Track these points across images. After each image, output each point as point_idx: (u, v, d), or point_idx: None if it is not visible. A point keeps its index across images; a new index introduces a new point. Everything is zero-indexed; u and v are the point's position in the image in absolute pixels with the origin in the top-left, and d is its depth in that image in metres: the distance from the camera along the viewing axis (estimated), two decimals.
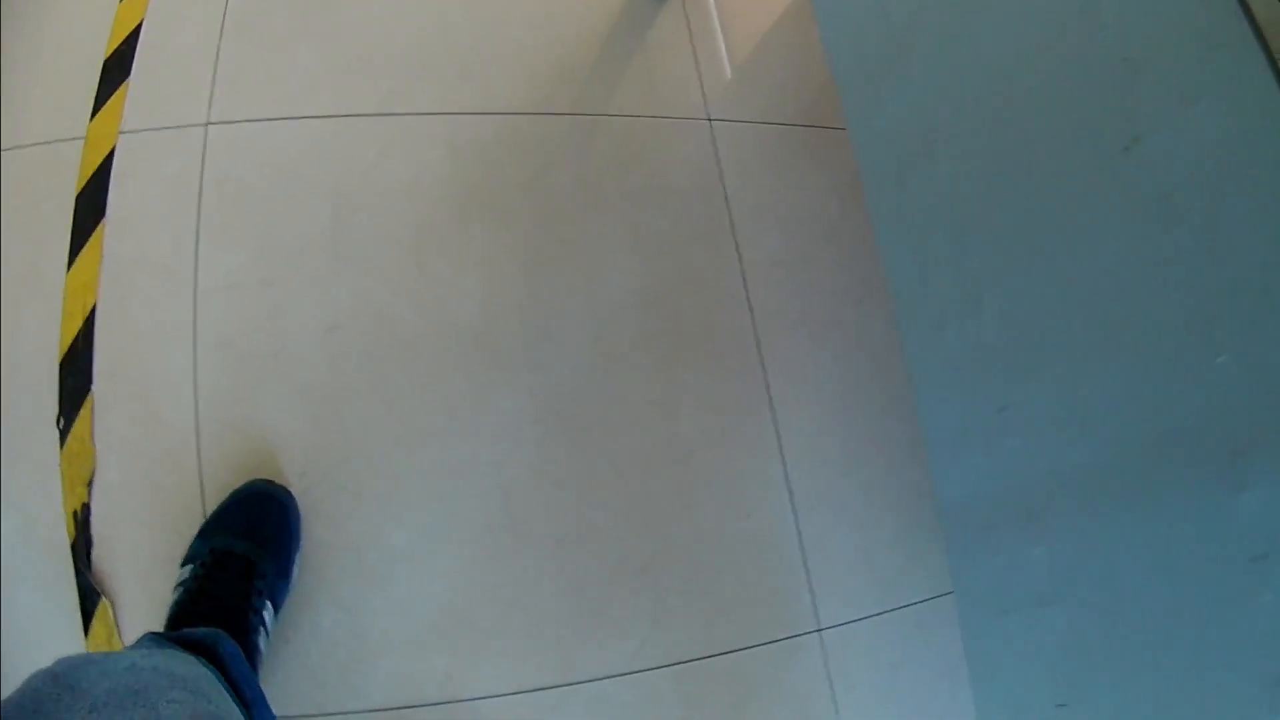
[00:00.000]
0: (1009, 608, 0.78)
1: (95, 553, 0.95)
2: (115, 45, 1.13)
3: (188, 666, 0.65)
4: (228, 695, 0.67)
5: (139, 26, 1.14)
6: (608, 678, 1.00)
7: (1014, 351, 0.74)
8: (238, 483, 0.96)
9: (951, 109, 0.79)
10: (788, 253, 1.22)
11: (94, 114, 1.09)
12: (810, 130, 1.29)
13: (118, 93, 1.10)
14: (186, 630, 0.77)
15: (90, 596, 0.93)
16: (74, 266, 1.03)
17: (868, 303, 1.23)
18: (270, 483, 0.96)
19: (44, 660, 0.55)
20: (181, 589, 0.86)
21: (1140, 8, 0.59)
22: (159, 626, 0.87)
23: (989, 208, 0.76)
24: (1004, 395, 0.76)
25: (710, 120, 1.25)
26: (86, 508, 0.96)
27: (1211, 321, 0.57)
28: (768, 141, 1.27)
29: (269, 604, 0.88)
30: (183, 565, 0.90)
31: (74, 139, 1.08)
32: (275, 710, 0.79)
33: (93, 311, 1.01)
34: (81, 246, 1.03)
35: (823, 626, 1.08)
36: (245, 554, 0.87)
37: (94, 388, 0.99)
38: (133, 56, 1.12)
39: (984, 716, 0.82)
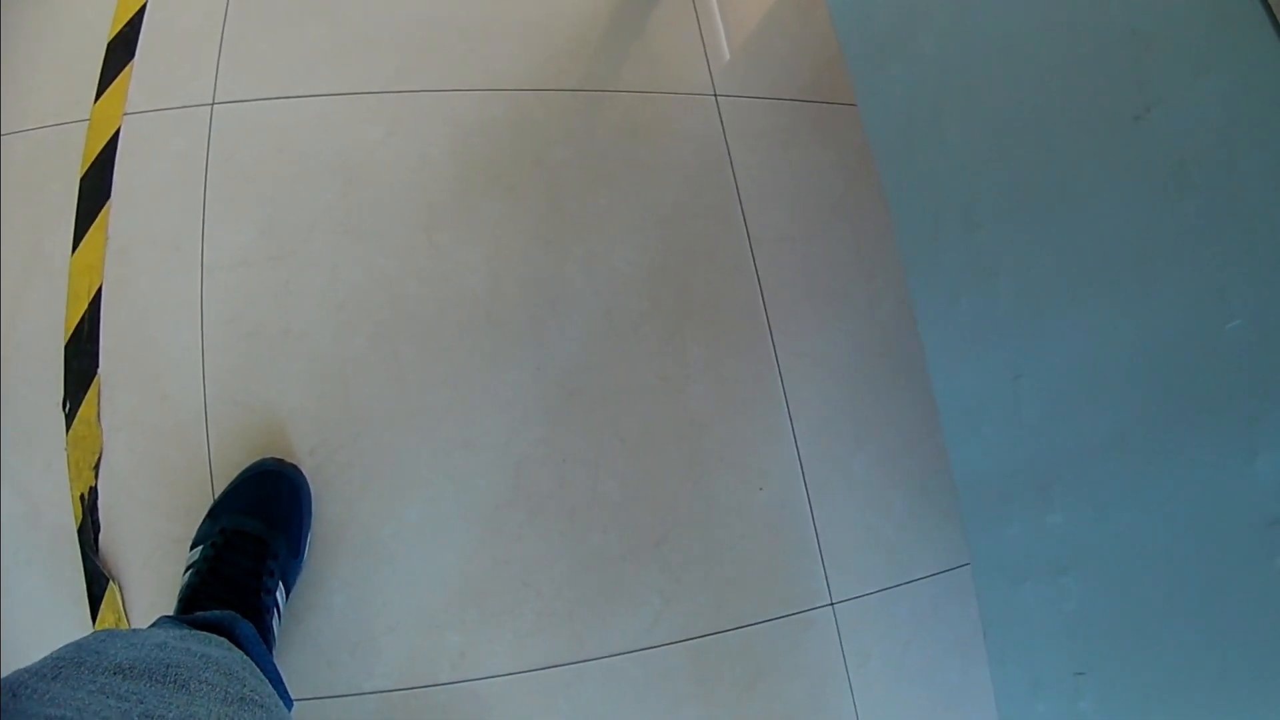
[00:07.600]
0: (1026, 576, 0.78)
1: (102, 536, 0.94)
2: (119, 27, 1.12)
3: (220, 650, 0.64)
4: (262, 677, 0.66)
5: (143, 7, 1.13)
6: (621, 654, 1.00)
7: (1028, 320, 0.74)
8: (247, 462, 0.95)
9: (961, 81, 0.79)
10: (796, 227, 1.21)
11: (98, 96, 1.08)
12: (816, 105, 1.28)
13: (122, 74, 1.09)
14: (200, 613, 0.76)
15: (98, 580, 0.92)
16: (79, 248, 1.02)
17: (877, 277, 1.22)
18: (280, 461, 0.95)
19: (50, 646, 0.55)
20: (192, 571, 0.85)
21: None
22: (168, 610, 0.86)
23: (1000, 178, 0.76)
24: (1018, 363, 0.76)
25: (716, 95, 1.25)
26: (94, 491, 0.95)
27: (1224, 288, 0.57)
28: (774, 117, 1.26)
29: (281, 584, 0.87)
30: (193, 547, 0.89)
31: (78, 121, 1.07)
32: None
33: (98, 293, 1.01)
34: (87, 228, 1.03)
35: (835, 601, 1.08)
36: (256, 534, 0.87)
37: (100, 370, 0.98)
38: (137, 38, 1.12)
39: (1001, 686, 0.82)
